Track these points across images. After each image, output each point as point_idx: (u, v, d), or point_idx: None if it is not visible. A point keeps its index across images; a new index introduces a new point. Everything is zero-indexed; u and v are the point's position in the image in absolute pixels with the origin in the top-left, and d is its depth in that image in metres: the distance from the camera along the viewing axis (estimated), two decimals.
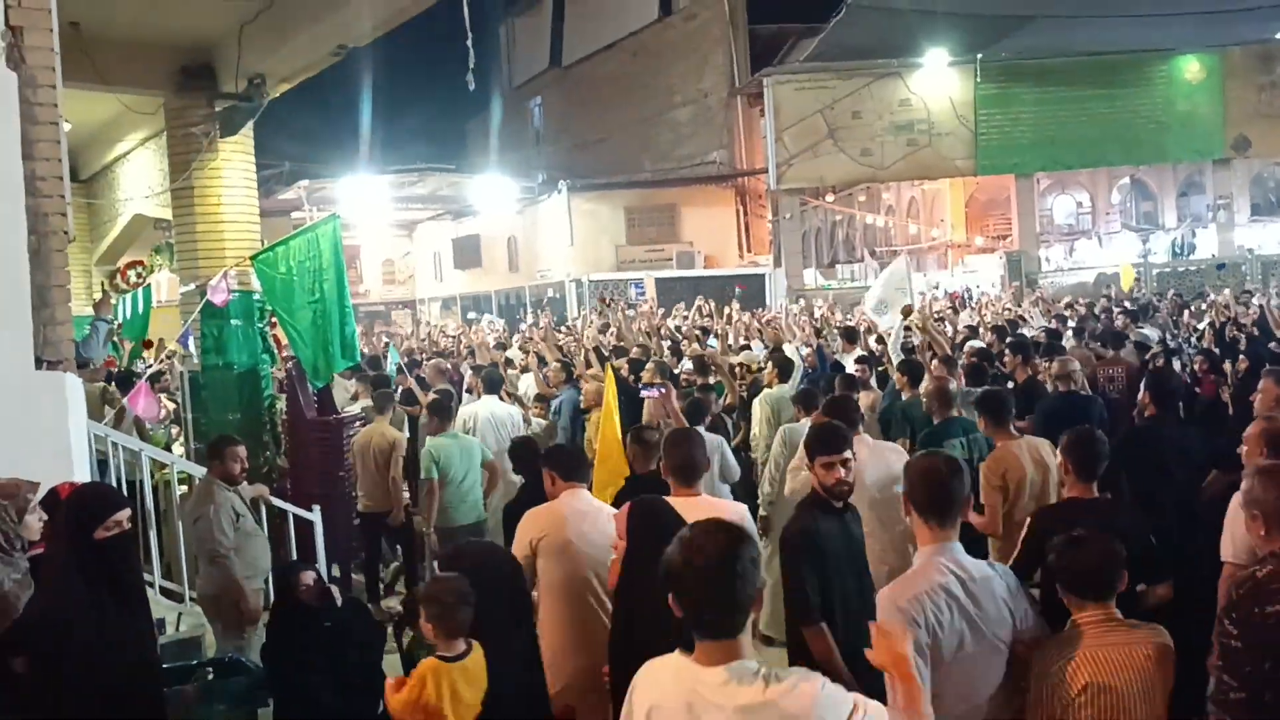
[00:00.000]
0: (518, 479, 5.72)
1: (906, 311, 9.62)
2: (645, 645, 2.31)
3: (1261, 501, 2.83)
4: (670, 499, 3.53)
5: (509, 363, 10.37)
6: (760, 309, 19.76)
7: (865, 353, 9.33)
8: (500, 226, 32.40)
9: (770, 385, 7.75)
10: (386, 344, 12.73)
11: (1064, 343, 9.77)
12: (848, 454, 3.52)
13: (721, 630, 2.01)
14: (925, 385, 6.27)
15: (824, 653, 3.21)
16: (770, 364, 8.14)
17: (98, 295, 10.58)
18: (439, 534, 6.92)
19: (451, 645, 3.09)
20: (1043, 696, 2.71)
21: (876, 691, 2.14)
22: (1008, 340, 8.77)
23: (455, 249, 34.57)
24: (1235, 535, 3.33)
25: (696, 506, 3.45)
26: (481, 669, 3.06)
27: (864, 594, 3.35)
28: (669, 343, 11.70)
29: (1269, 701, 2.58)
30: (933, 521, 2.82)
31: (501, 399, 8.07)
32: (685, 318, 15.96)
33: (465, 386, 9.70)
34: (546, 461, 4.24)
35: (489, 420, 7.72)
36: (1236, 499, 3.22)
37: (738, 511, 3.88)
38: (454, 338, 16.49)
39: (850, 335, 10.45)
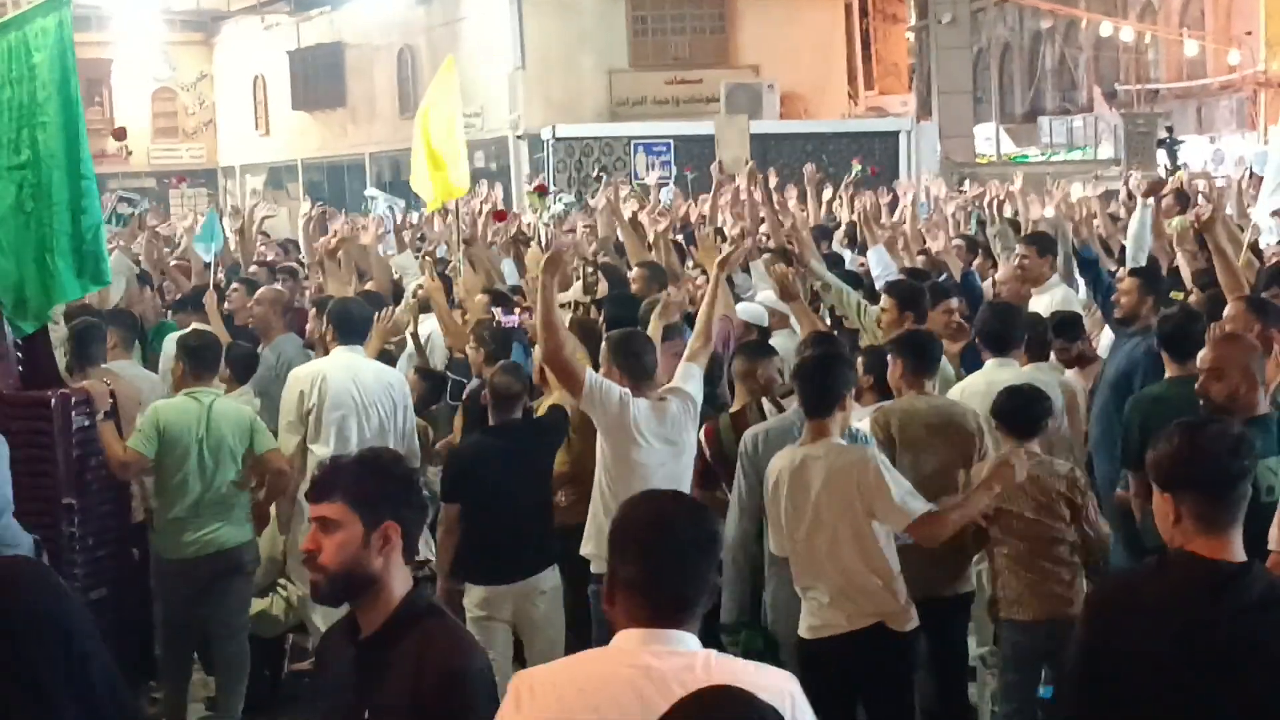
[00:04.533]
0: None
1: (1153, 189, 10.20)
2: None
3: None
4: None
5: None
6: (887, 190, 19.63)
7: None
8: (384, 30, 32.43)
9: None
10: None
11: None
12: None
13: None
14: (1203, 355, 6.42)
15: None
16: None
17: None
18: (155, 570, 7.58)
19: None
20: None
21: None
22: None
23: (295, 72, 34.61)
24: None
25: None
26: None
27: None
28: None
29: None
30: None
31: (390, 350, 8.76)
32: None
33: (307, 335, 9.98)
34: None
35: (347, 391, 7.90)
36: None
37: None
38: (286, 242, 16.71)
39: (974, 244, 11.24)
